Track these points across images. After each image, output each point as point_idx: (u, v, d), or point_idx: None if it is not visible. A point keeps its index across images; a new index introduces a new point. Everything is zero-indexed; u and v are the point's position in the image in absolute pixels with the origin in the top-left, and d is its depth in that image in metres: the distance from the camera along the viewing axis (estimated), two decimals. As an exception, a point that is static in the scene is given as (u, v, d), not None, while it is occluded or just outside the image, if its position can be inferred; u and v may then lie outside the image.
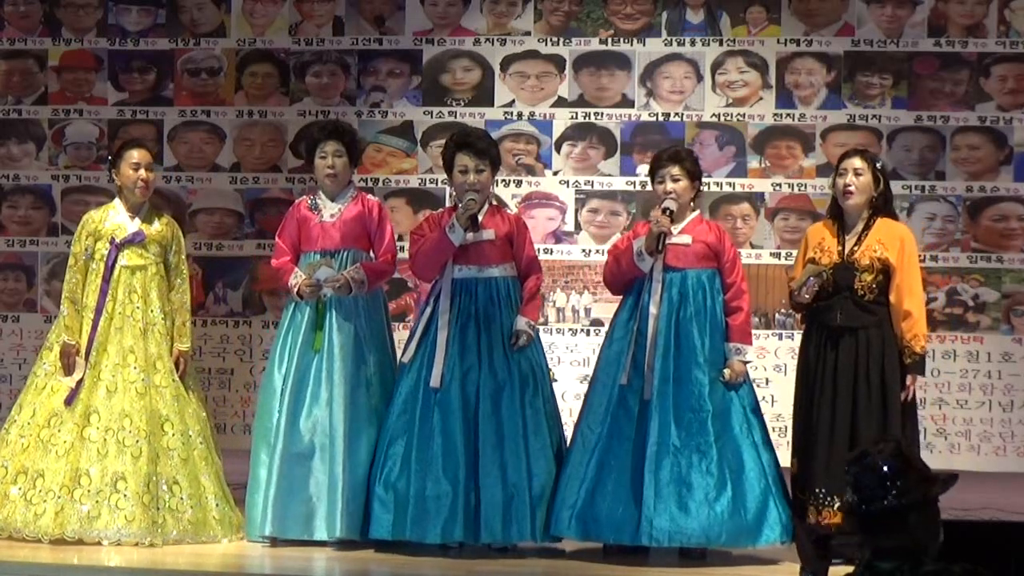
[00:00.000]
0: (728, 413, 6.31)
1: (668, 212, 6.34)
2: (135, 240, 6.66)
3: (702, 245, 6.41)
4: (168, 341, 6.65)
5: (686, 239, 6.41)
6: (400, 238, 7.54)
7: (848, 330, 6.23)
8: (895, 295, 6.24)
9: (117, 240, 6.65)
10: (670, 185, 6.39)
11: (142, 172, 6.68)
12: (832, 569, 5.93)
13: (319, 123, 6.95)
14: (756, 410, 6.43)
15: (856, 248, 6.27)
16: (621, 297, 6.57)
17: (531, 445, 6.38)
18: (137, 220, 6.69)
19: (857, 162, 6.33)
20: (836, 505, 6.13)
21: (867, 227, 6.31)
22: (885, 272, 6.24)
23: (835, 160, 7.61)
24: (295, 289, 6.59)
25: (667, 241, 6.32)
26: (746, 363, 6.40)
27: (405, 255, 7.20)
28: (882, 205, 6.35)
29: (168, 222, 6.80)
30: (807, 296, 6.27)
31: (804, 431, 6.30)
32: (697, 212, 6.55)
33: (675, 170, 6.40)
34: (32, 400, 6.64)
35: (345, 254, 6.64)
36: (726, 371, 6.32)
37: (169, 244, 6.72)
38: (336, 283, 6.53)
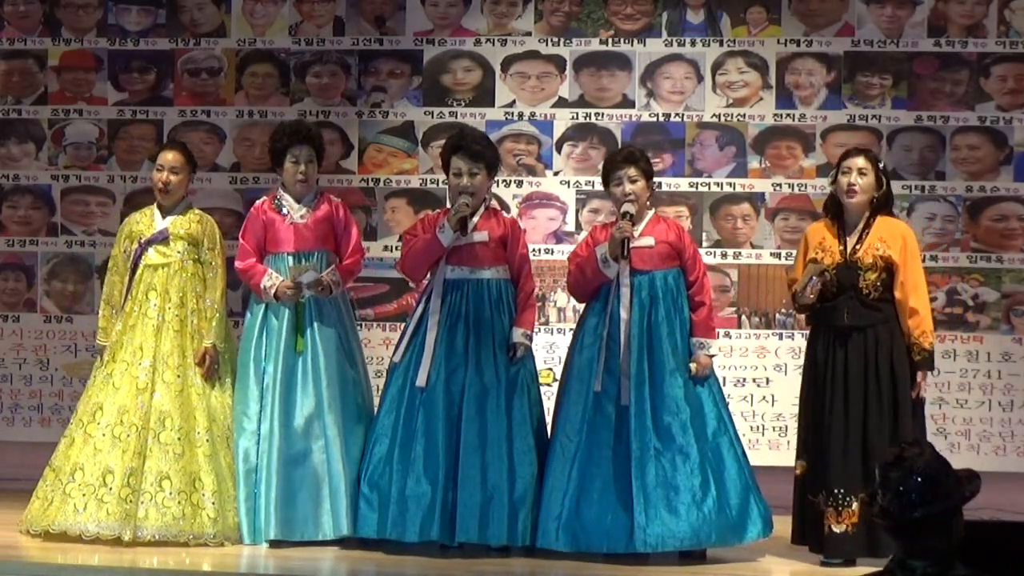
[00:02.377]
0: (703, 412, 6.32)
1: (628, 216, 6.33)
2: (158, 238, 6.70)
3: (665, 245, 6.40)
4: (188, 338, 6.64)
5: (649, 241, 6.40)
6: (400, 238, 7.53)
7: (856, 329, 6.21)
8: (900, 292, 6.23)
9: (143, 239, 6.69)
10: (628, 187, 6.38)
11: (164, 175, 6.73)
12: (853, 570, 5.98)
13: (289, 127, 6.85)
14: (726, 407, 6.46)
15: (858, 247, 6.26)
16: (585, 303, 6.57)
17: (515, 448, 6.37)
18: (168, 219, 6.72)
19: (861, 161, 6.32)
20: (853, 505, 6.10)
21: (867, 226, 6.30)
22: (888, 270, 6.23)
23: (835, 160, 7.64)
24: (272, 291, 6.58)
25: (631, 245, 6.31)
26: (711, 357, 6.39)
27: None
28: (882, 205, 6.34)
29: (201, 219, 6.81)
30: (811, 296, 6.24)
31: (815, 432, 6.27)
32: (654, 211, 6.55)
33: (631, 171, 6.39)
34: (80, 403, 6.73)
35: (319, 255, 6.65)
36: (692, 365, 6.33)
37: (201, 241, 6.74)
38: (319, 286, 6.54)
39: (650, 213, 6.50)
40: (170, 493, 6.40)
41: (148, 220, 6.77)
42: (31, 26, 8.20)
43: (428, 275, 6.59)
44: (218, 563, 6.19)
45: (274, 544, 6.45)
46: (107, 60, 8.15)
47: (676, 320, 6.37)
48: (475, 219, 6.47)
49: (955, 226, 7.62)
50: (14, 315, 8.10)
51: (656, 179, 6.71)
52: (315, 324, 6.58)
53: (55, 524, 6.40)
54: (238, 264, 6.72)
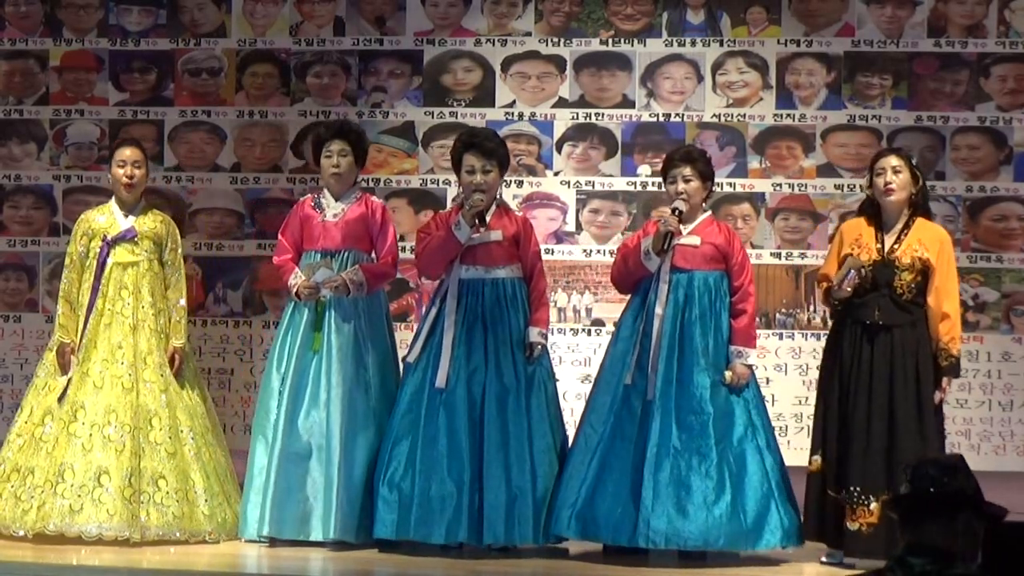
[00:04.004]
0: (731, 416, 6.30)
1: (677, 212, 6.34)
2: (126, 237, 6.72)
3: (711, 247, 6.41)
4: (160, 337, 6.68)
5: (695, 240, 6.41)
6: (401, 238, 7.54)
7: (884, 328, 6.20)
8: (934, 297, 6.22)
9: (109, 237, 6.69)
10: (682, 186, 6.40)
11: (127, 169, 6.74)
12: (850, 571, 5.99)
13: (326, 122, 7.00)
14: (762, 413, 6.41)
15: (897, 247, 6.25)
16: (628, 297, 6.58)
17: (536, 447, 6.39)
18: (131, 217, 6.74)
19: (894, 160, 6.32)
20: (872, 504, 6.10)
21: (907, 226, 6.29)
22: (924, 273, 6.22)
23: (836, 160, 7.66)
24: (294, 290, 6.61)
25: (675, 241, 6.32)
26: (749, 366, 6.39)
27: (408, 255, 7.22)
28: (921, 203, 6.34)
29: (163, 219, 6.85)
30: (848, 289, 6.22)
31: (839, 428, 6.24)
32: (708, 213, 6.55)
33: (687, 170, 6.41)
34: (32, 400, 6.70)
35: (346, 254, 6.66)
36: (727, 373, 6.31)
37: (164, 241, 6.76)
38: (334, 284, 6.54)
39: (705, 214, 6.50)
40: (168, 492, 6.43)
41: (109, 218, 6.77)
42: (32, 26, 8.20)
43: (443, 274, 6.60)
44: (212, 562, 6.21)
45: (267, 541, 6.47)
46: (108, 60, 8.15)
47: (711, 322, 6.36)
48: (488, 217, 6.49)
49: (955, 226, 7.62)
50: (15, 315, 8.10)
51: (656, 179, 6.70)
52: (334, 324, 6.58)
53: (50, 525, 6.37)
54: (274, 259, 6.80)
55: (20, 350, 8.08)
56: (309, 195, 6.87)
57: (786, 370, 7.61)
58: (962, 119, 7.72)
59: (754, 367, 6.45)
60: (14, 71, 8.19)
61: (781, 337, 7.68)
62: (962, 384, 7.58)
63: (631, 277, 6.49)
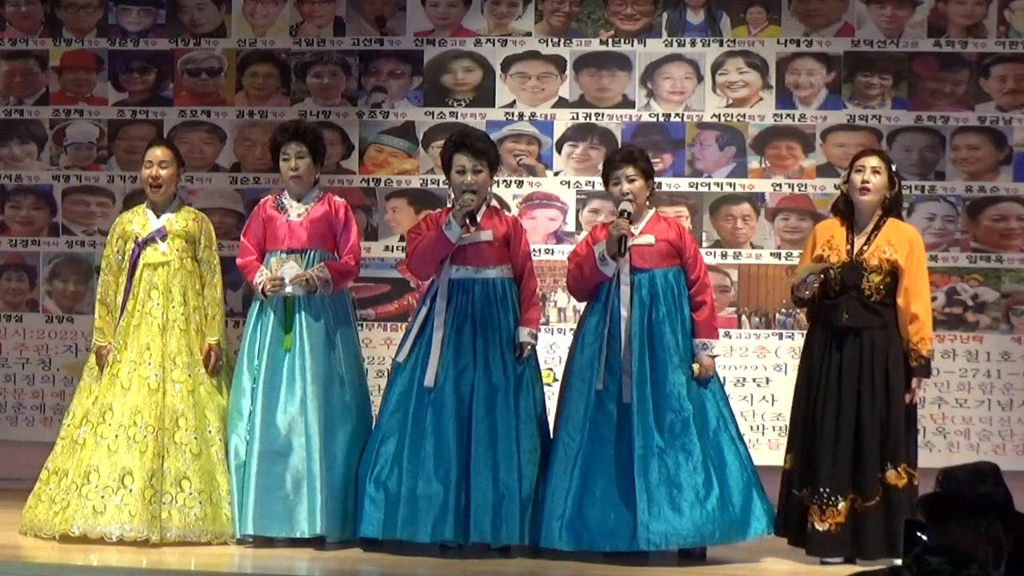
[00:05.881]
0: (704, 410, 6.33)
1: (626, 214, 6.35)
2: (155, 237, 6.71)
3: (665, 243, 6.42)
4: (192, 336, 6.68)
5: (649, 239, 6.42)
6: (401, 239, 7.55)
7: (853, 331, 6.23)
8: (903, 298, 6.24)
9: (140, 239, 6.71)
10: (626, 186, 6.40)
11: (153, 170, 6.75)
12: (851, 568, 6.00)
13: (281, 125, 6.95)
14: (727, 404, 6.47)
15: (865, 248, 6.28)
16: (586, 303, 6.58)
17: (523, 447, 6.39)
18: (163, 217, 6.75)
19: (875, 161, 6.35)
20: (840, 504, 6.14)
21: (877, 227, 6.32)
22: (893, 274, 6.24)
23: (836, 160, 7.66)
24: (260, 287, 6.61)
25: (629, 243, 6.33)
26: (714, 357, 6.41)
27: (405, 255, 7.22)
28: (892, 206, 6.36)
29: (196, 217, 6.85)
30: (807, 293, 6.28)
31: (806, 430, 6.31)
32: (654, 210, 6.57)
33: (630, 171, 6.41)
34: (76, 403, 6.75)
35: (312, 253, 6.66)
36: (695, 366, 6.34)
37: (197, 239, 6.77)
38: (302, 278, 6.54)
39: (651, 212, 6.52)
40: (191, 493, 6.44)
41: (142, 219, 6.79)
42: (32, 26, 8.21)
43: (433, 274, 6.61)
44: (199, 562, 6.20)
45: (252, 540, 6.48)
46: (107, 60, 8.16)
47: (677, 318, 6.38)
48: (478, 217, 6.49)
49: (955, 226, 7.64)
50: (17, 315, 8.12)
51: (656, 179, 6.71)
52: (304, 322, 6.59)
53: (74, 527, 6.39)
54: (238, 261, 6.78)
55: (21, 350, 8.10)
56: (270, 196, 6.84)
57: (786, 370, 7.62)
58: (962, 119, 7.73)
59: (717, 357, 6.45)
60: (14, 71, 8.21)
61: (781, 337, 7.69)
62: (962, 384, 7.60)
63: (588, 284, 6.48)
